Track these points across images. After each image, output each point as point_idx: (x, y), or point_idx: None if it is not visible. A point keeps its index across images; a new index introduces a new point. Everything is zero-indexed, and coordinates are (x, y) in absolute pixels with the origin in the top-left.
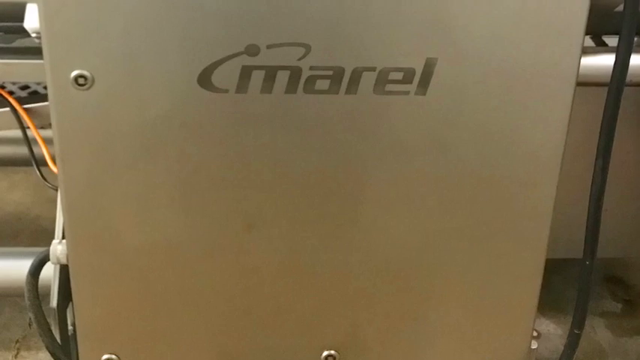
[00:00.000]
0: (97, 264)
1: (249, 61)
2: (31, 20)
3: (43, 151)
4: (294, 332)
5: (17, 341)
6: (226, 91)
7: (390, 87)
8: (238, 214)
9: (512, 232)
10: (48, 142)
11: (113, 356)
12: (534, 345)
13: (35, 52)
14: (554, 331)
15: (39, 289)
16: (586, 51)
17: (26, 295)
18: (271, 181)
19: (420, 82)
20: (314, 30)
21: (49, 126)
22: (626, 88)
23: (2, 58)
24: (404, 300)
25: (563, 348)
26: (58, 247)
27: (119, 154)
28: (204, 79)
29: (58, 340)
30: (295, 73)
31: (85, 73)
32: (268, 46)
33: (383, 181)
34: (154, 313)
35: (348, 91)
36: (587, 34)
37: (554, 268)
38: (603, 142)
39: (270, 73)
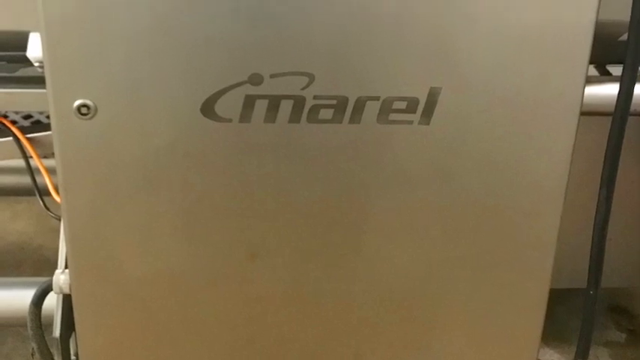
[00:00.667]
0: (100, 294)
1: (252, 90)
2: (34, 49)
3: (46, 180)
4: None
5: None
6: (230, 120)
7: (393, 116)
8: (242, 243)
9: (516, 262)
10: (51, 171)
11: None
12: None
13: (38, 81)
14: None
15: (42, 319)
16: (590, 80)
17: (29, 324)
18: (275, 210)
19: (423, 111)
20: (318, 59)
21: (52, 155)
22: (630, 118)
23: (5, 88)
24: (407, 329)
25: None
26: (60, 277)
27: (122, 184)
28: (208, 109)
29: None
30: (299, 102)
31: (88, 102)
32: (272, 76)
33: (386, 210)
34: (157, 343)
35: (351, 121)
36: (591, 63)
37: (558, 298)
38: (607, 171)
39: (274, 103)
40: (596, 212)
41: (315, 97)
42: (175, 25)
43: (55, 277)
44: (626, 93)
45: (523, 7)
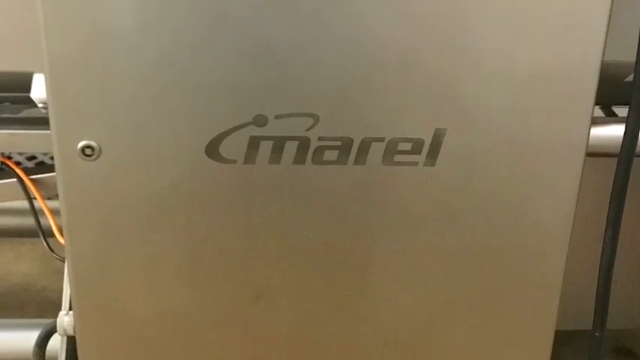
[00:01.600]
0: (105, 335)
1: (257, 131)
2: (38, 90)
3: (50, 222)
4: None
5: None
6: (234, 161)
7: (398, 157)
8: (246, 284)
9: (521, 303)
10: (55, 212)
11: None
12: None
13: (42, 122)
14: None
15: None
16: (596, 121)
17: None
18: (279, 251)
19: (428, 152)
20: (322, 100)
21: (56, 197)
22: (635, 159)
23: (9, 129)
24: None
25: None
26: (65, 319)
27: (126, 225)
28: (212, 150)
29: None
30: (303, 143)
31: (92, 143)
32: (276, 117)
33: (391, 251)
34: None
35: (356, 162)
36: (596, 104)
37: (563, 340)
38: (613, 212)
39: (279, 144)
40: (601, 253)
41: (319, 139)
42: (179, 66)
43: (59, 319)
44: (631, 134)
45: (528, 49)
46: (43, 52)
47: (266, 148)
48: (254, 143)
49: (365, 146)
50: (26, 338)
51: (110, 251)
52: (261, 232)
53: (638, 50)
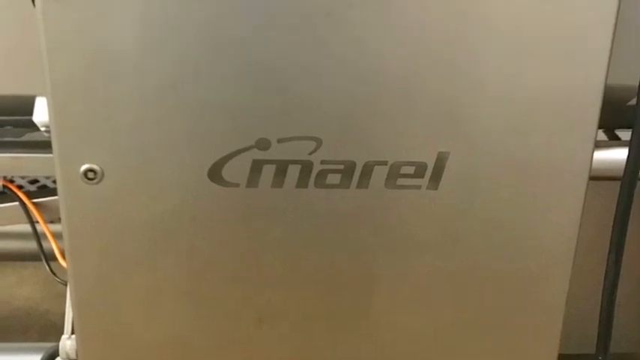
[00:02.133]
0: (107, 359)
1: (260, 155)
2: (40, 114)
3: (53, 245)
4: None
5: None
6: (237, 185)
7: (401, 181)
8: (249, 308)
9: (523, 327)
10: (57, 236)
11: None
12: None
13: (44, 146)
14: None
15: None
16: (599, 145)
17: None
18: (282, 275)
19: (431, 176)
20: (325, 124)
21: (58, 220)
22: (639, 183)
23: (11, 152)
24: None
25: None
26: (67, 343)
27: (129, 249)
28: (215, 174)
29: None
30: (306, 167)
31: (95, 167)
32: (279, 140)
33: (394, 275)
34: None
35: (359, 186)
36: (599, 127)
37: None
38: (616, 236)
39: (281, 168)
40: (604, 277)
41: (322, 162)
42: (182, 90)
43: (61, 343)
44: (634, 157)
45: (531, 72)
46: (45, 75)
47: (269, 171)
48: (257, 167)
49: (368, 170)
50: None
51: (113, 275)
52: (263, 255)
53: None
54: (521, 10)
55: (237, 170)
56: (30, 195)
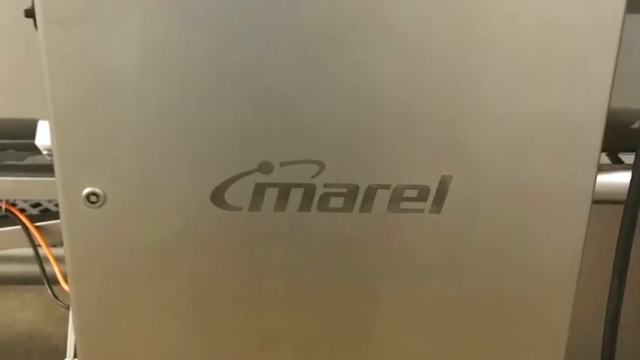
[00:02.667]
0: None
1: (262, 178)
2: (43, 137)
3: (55, 269)
4: None
5: None
6: (239, 208)
7: (404, 205)
8: (251, 332)
9: (527, 351)
10: (59, 260)
11: None
12: None
13: (46, 169)
14: None
15: None
16: (602, 168)
17: None
18: (285, 299)
19: (434, 199)
20: (328, 147)
21: (60, 244)
22: None
23: (13, 176)
24: None
25: None
26: None
27: (131, 272)
28: (217, 197)
29: None
30: (309, 190)
31: (97, 190)
32: (282, 164)
33: (397, 299)
34: None
35: (362, 209)
36: (603, 151)
37: None
38: (619, 260)
39: (284, 191)
40: (608, 300)
41: (325, 186)
42: (184, 113)
43: None
44: (638, 181)
45: (534, 96)
46: (47, 98)
47: (271, 195)
48: (259, 190)
49: (371, 193)
50: None
51: (115, 298)
52: (266, 279)
53: None
54: (524, 33)
55: (239, 194)
56: (32, 218)
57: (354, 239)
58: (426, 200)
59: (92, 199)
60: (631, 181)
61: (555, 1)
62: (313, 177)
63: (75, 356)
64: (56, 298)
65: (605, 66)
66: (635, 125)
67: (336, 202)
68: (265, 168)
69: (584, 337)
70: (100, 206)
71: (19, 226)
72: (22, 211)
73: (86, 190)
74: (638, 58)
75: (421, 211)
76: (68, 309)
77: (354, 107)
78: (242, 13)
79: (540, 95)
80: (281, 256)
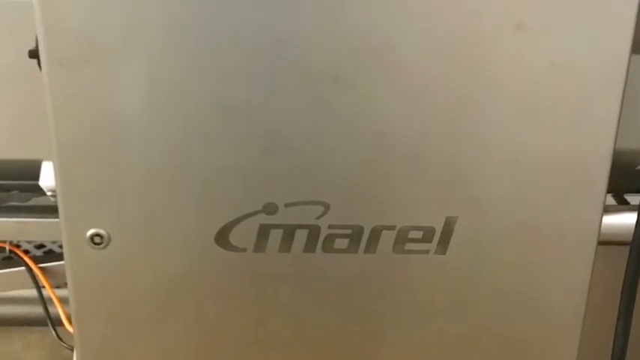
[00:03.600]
0: None
1: (267, 219)
2: (47, 178)
3: (59, 310)
4: None
5: None
6: (244, 250)
7: (409, 246)
8: None
9: None
10: (64, 301)
11: None
12: None
13: (51, 210)
14: None
15: None
16: (607, 209)
17: None
18: (290, 340)
19: (439, 241)
20: (332, 188)
21: (64, 285)
22: None
23: (17, 217)
24: None
25: None
26: None
27: (135, 314)
28: (222, 238)
29: None
30: (314, 232)
31: (101, 232)
32: (286, 205)
33: (402, 340)
34: None
35: (367, 250)
36: (608, 192)
37: None
38: (625, 302)
39: (289, 232)
40: (613, 343)
41: (330, 227)
42: (189, 154)
43: None
44: None
45: (539, 136)
46: (51, 139)
47: (276, 236)
48: (264, 231)
49: (375, 234)
50: None
51: (119, 340)
52: (271, 320)
53: None
54: (530, 75)
55: (244, 235)
56: (36, 260)
57: (359, 280)
58: (431, 241)
59: (96, 240)
60: (637, 222)
61: (562, 42)
62: (318, 218)
63: None
64: (60, 339)
65: (610, 107)
66: None
67: (341, 243)
68: (270, 209)
69: None
70: (105, 247)
71: (23, 268)
72: (26, 252)
73: (90, 231)
74: None
75: (426, 252)
76: (72, 350)
77: (358, 148)
78: (246, 54)
79: (546, 136)
80: (286, 297)
